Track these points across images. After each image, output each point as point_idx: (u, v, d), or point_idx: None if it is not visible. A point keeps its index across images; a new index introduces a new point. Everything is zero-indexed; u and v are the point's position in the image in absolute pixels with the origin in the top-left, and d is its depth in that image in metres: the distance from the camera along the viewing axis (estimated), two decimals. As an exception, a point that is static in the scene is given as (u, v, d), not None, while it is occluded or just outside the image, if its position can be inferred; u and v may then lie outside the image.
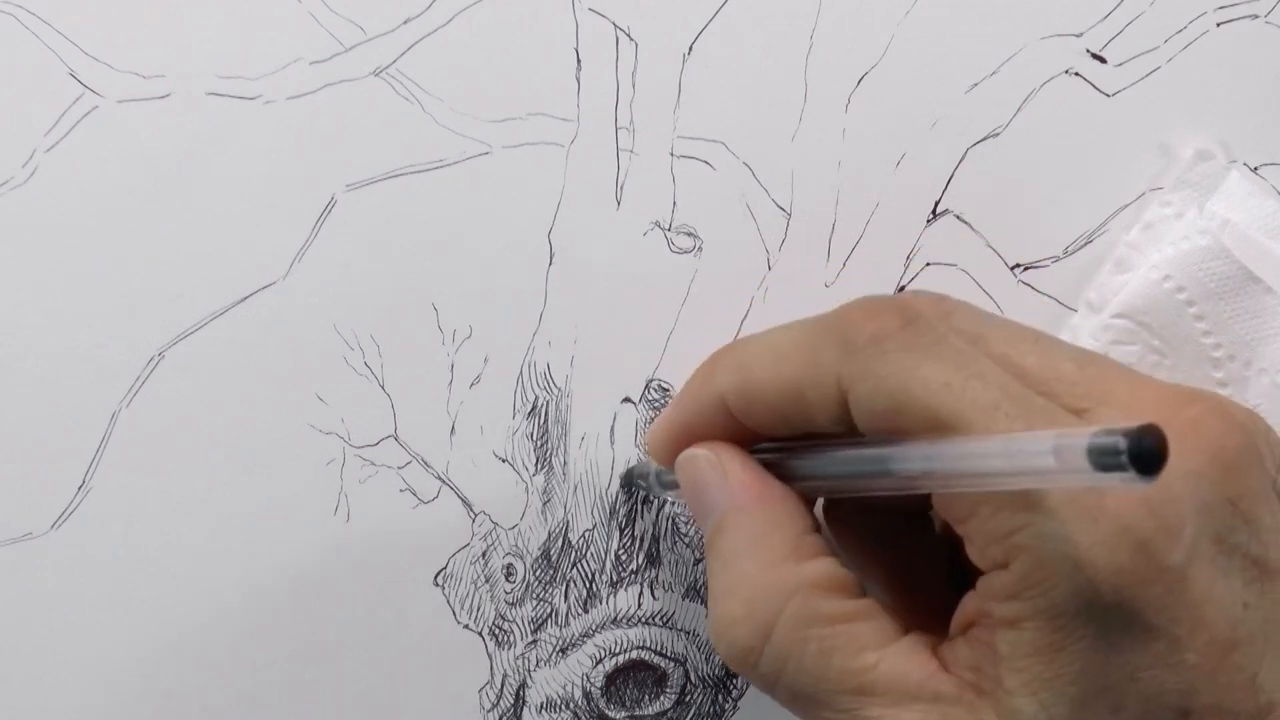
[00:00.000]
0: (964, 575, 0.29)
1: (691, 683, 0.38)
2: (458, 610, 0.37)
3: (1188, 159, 0.39)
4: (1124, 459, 0.22)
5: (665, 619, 0.38)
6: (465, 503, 0.36)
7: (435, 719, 0.37)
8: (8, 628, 0.34)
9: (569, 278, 0.36)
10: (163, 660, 0.35)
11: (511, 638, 0.37)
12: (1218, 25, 0.40)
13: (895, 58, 0.38)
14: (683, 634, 0.38)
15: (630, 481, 0.37)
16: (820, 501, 0.34)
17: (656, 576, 0.38)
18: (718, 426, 0.32)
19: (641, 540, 0.38)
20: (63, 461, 0.34)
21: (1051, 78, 0.39)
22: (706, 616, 0.32)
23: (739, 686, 0.39)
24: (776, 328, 0.32)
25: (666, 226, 0.37)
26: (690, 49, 0.37)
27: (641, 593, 0.38)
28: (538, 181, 0.36)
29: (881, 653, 0.29)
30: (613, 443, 0.37)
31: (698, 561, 0.38)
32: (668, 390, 0.37)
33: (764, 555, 0.31)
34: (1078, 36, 0.39)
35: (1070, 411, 0.28)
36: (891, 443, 0.28)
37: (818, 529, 0.31)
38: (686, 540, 0.38)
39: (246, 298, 0.34)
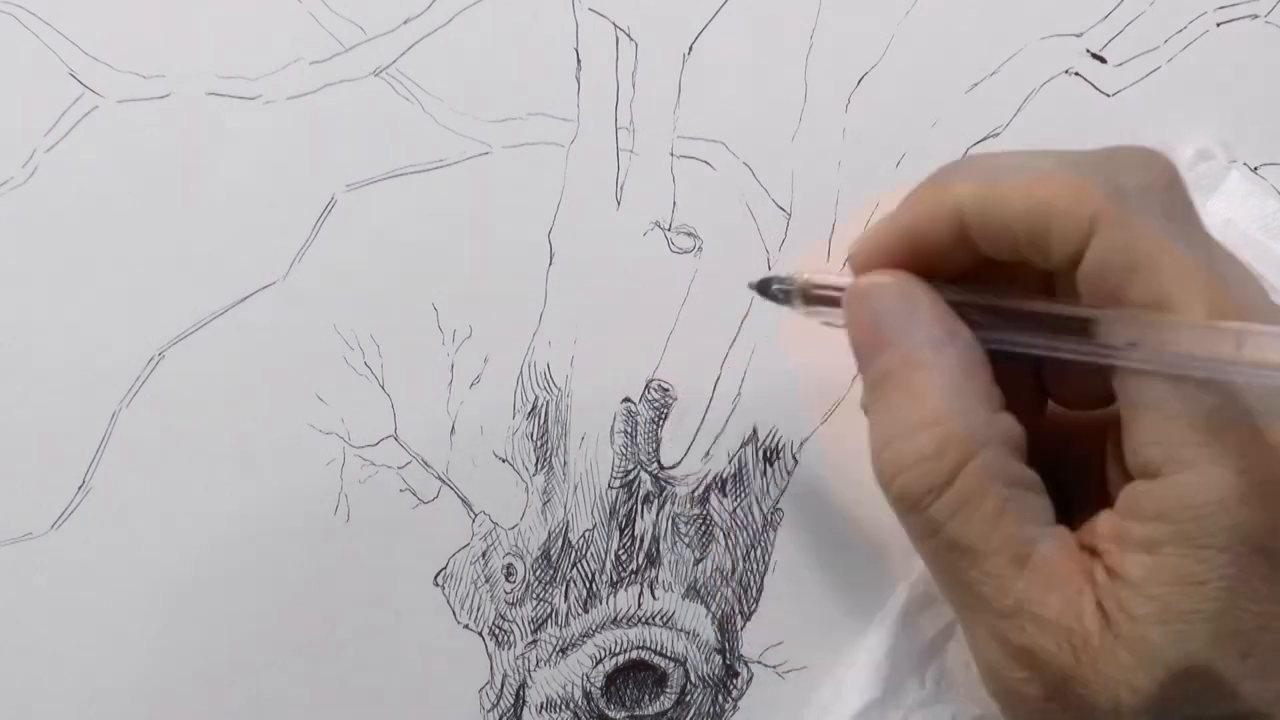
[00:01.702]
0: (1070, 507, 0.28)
1: (691, 683, 0.38)
2: (458, 610, 0.37)
3: (1188, 159, 0.39)
4: None
5: (665, 619, 0.38)
6: (465, 503, 0.36)
7: (435, 719, 0.37)
8: (8, 628, 0.34)
9: (569, 278, 0.36)
10: (163, 660, 0.35)
11: (511, 638, 0.37)
12: (1218, 25, 0.40)
13: (895, 58, 0.38)
14: (683, 634, 0.38)
15: (767, 288, 0.34)
16: None
17: (656, 576, 0.38)
18: (944, 240, 0.30)
19: (641, 540, 0.38)
20: (63, 461, 0.34)
21: (1051, 78, 0.39)
22: (878, 452, 0.30)
23: (739, 687, 0.39)
24: (1029, 149, 0.30)
25: (666, 226, 0.37)
26: (690, 49, 0.37)
27: (641, 593, 0.38)
28: (538, 181, 0.36)
29: (1044, 530, 0.28)
30: (613, 443, 0.37)
31: (698, 561, 0.38)
32: (668, 390, 0.37)
33: (961, 398, 0.29)
34: (1078, 36, 0.39)
35: None
36: (1095, 305, 0.27)
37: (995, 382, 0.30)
38: (686, 540, 0.38)
39: (246, 298, 0.34)
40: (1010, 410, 0.30)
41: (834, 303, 0.32)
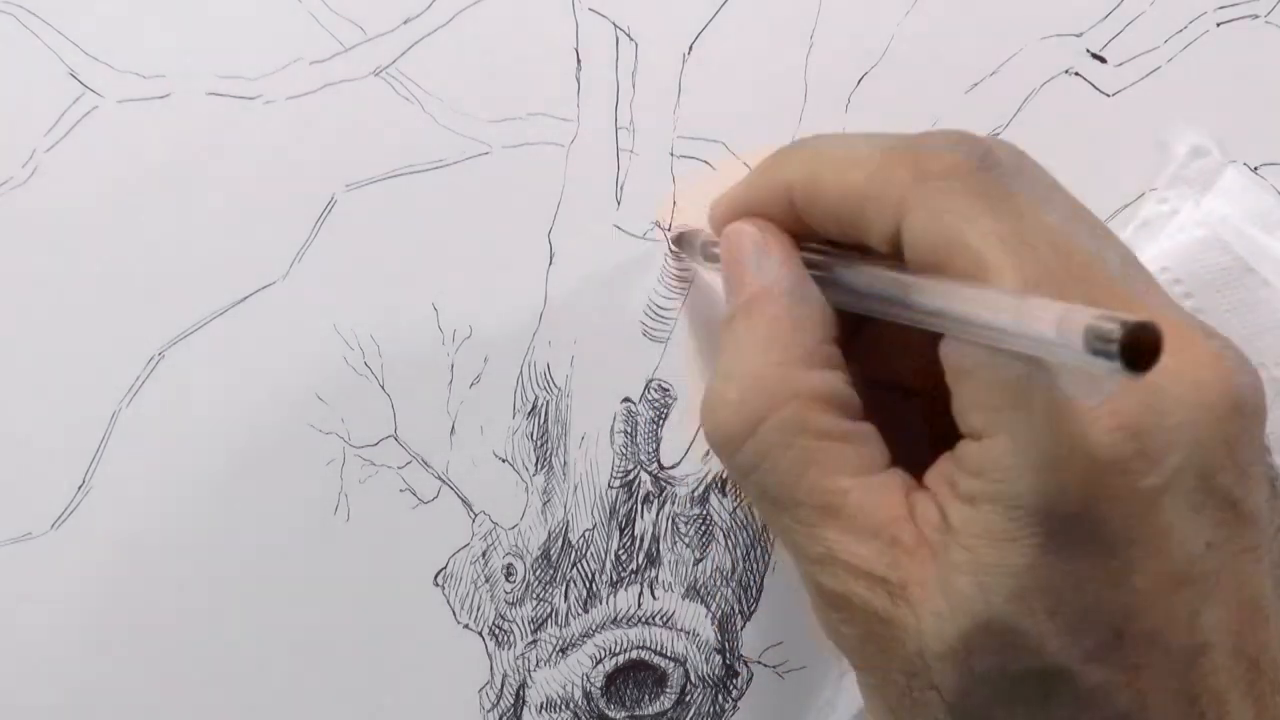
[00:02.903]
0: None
1: (691, 683, 0.38)
2: (458, 610, 0.37)
3: (1183, 155, 0.39)
4: (1115, 347, 0.22)
5: (665, 619, 0.38)
6: (465, 503, 0.36)
7: (435, 719, 0.37)
8: (8, 628, 0.34)
9: (569, 278, 0.36)
10: (163, 660, 0.35)
11: (511, 638, 0.37)
12: (1218, 25, 0.40)
13: (895, 58, 0.38)
14: (683, 634, 0.38)
15: (681, 242, 0.36)
16: None
17: (656, 576, 0.38)
18: (779, 214, 0.32)
19: (641, 540, 0.38)
20: (63, 461, 0.34)
21: (1051, 78, 0.39)
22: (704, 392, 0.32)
23: (739, 687, 0.39)
24: (858, 133, 0.32)
25: (666, 227, 0.37)
26: (690, 49, 0.37)
27: (641, 593, 0.38)
28: (538, 181, 0.36)
29: (856, 480, 0.29)
30: (613, 443, 0.37)
31: (698, 561, 0.38)
32: (668, 390, 0.37)
33: (776, 350, 0.30)
34: (1078, 36, 0.39)
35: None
36: (916, 273, 0.28)
37: (837, 342, 0.31)
38: (686, 540, 0.38)
39: (246, 298, 0.34)
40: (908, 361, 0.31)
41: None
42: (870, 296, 0.30)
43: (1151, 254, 0.39)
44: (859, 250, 0.31)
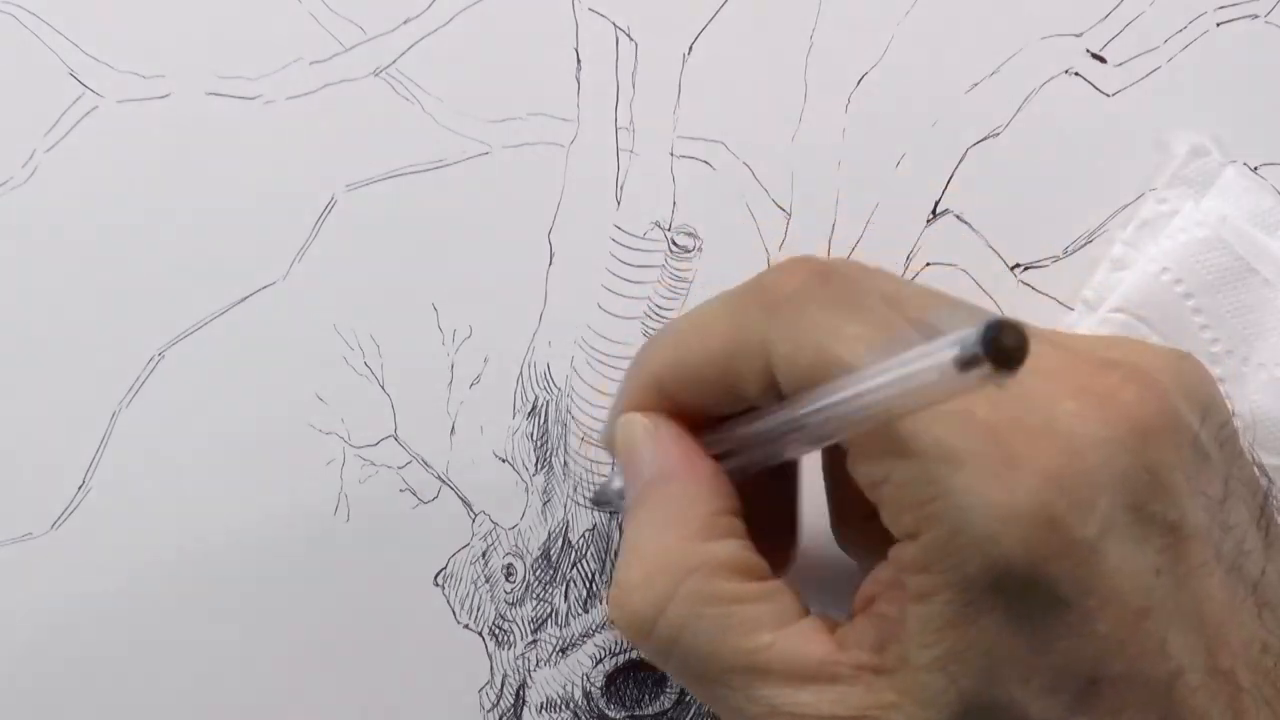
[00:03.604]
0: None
1: (691, 683, 0.38)
2: (458, 610, 0.37)
3: (1183, 155, 0.39)
4: (980, 352, 0.22)
5: (665, 619, 0.38)
6: (465, 503, 0.36)
7: (435, 719, 0.37)
8: (8, 628, 0.34)
9: (569, 278, 0.36)
10: (163, 660, 0.35)
11: (511, 638, 0.37)
12: (1218, 25, 0.40)
13: (895, 58, 0.38)
14: (683, 634, 0.38)
15: (600, 502, 0.37)
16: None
17: (656, 576, 0.38)
18: (658, 408, 0.32)
19: (641, 540, 0.38)
20: (63, 461, 0.34)
21: (1051, 78, 0.39)
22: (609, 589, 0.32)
23: (739, 686, 0.39)
24: (704, 302, 0.32)
25: (666, 226, 0.37)
26: (690, 49, 0.37)
27: (641, 593, 0.38)
28: (538, 181, 0.36)
29: (776, 633, 0.29)
30: (613, 443, 0.37)
31: (698, 561, 0.38)
32: (668, 390, 0.37)
33: (674, 529, 0.30)
34: (1078, 36, 0.39)
35: None
36: (796, 399, 0.28)
37: (738, 512, 0.31)
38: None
39: (246, 298, 0.34)
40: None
41: None
42: (770, 443, 0.30)
43: (1151, 254, 0.39)
44: (746, 414, 0.31)
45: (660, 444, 0.32)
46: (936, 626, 0.27)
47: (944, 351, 0.23)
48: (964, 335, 0.23)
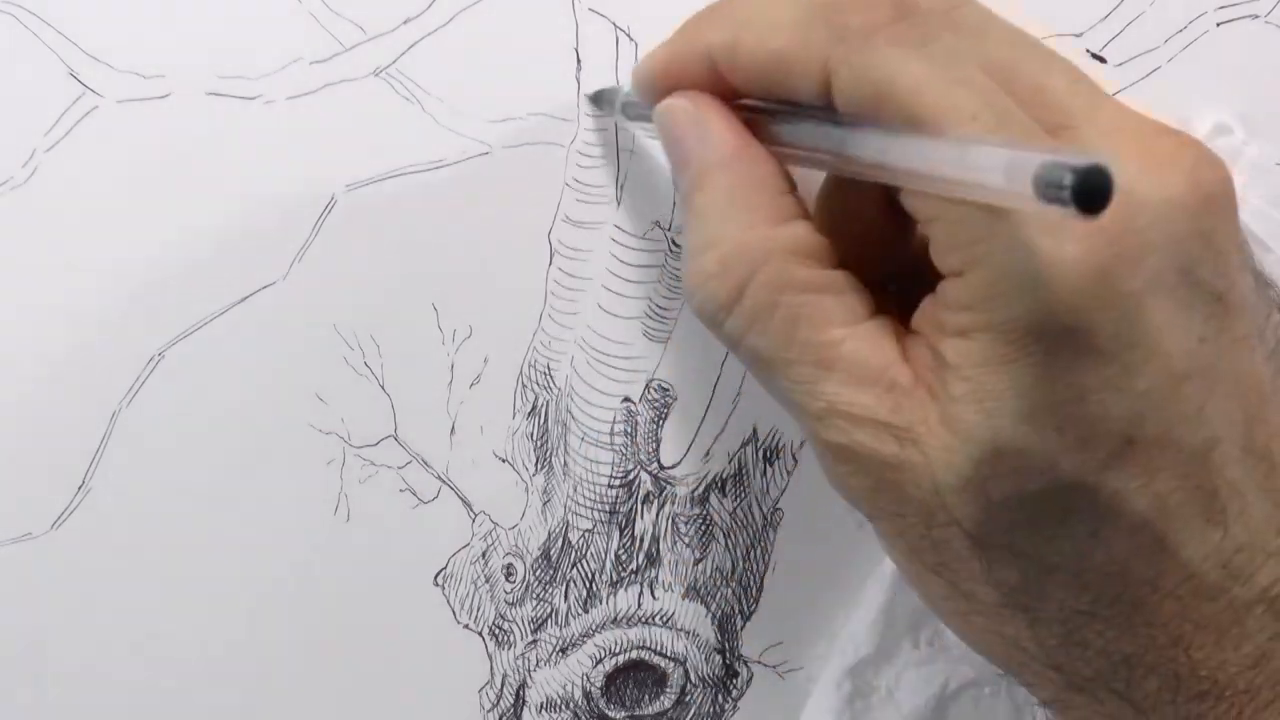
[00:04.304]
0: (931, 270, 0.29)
1: (691, 683, 0.38)
2: (458, 610, 0.37)
3: (1205, 133, 0.39)
4: (1066, 193, 0.22)
5: (665, 619, 0.38)
6: (465, 503, 0.36)
7: (435, 719, 0.37)
8: (8, 628, 0.34)
9: (569, 278, 0.36)
10: (162, 660, 0.35)
11: (511, 638, 0.37)
12: (1218, 25, 0.40)
13: (895, 58, 0.38)
14: (683, 634, 0.38)
15: (599, 100, 0.36)
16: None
17: (656, 576, 0.38)
18: (703, 77, 0.32)
19: (641, 540, 0.38)
20: (63, 461, 0.34)
21: (1051, 78, 0.39)
22: (681, 271, 0.32)
23: (739, 687, 0.39)
24: None
25: (666, 226, 0.37)
26: (690, 49, 0.37)
27: (641, 593, 0.38)
28: (538, 181, 0.36)
29: (848, 330, 0.29)
30: (612, 443, 0.37)
31: (698, 561, 0.38)
32: (668, 390, 0.37)
33: (743, 213, 0.30)
34: (1078, 36, 0.39)
35: (1052, 127, 0.28)
36: (856, 127, 0.28)
37: (794, 190, 0.31)
38: (686, 540, 0.38)
39: (246, 298, 0.34)
40: (869, 211, 0.31)
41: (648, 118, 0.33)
42: (811, 150, 0.30)
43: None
44: (791, 104, 0.31)
45: (713, 127, 0.31)
46: (974, 363, 0.27)
47: (1025, 168, 0.22)
48: (1048, 167, 0.22)
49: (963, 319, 0.27)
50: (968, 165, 0.25)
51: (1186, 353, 0.27)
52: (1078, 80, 0.29)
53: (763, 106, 0.31)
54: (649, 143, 0.36)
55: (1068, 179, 0.22)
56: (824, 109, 0.29)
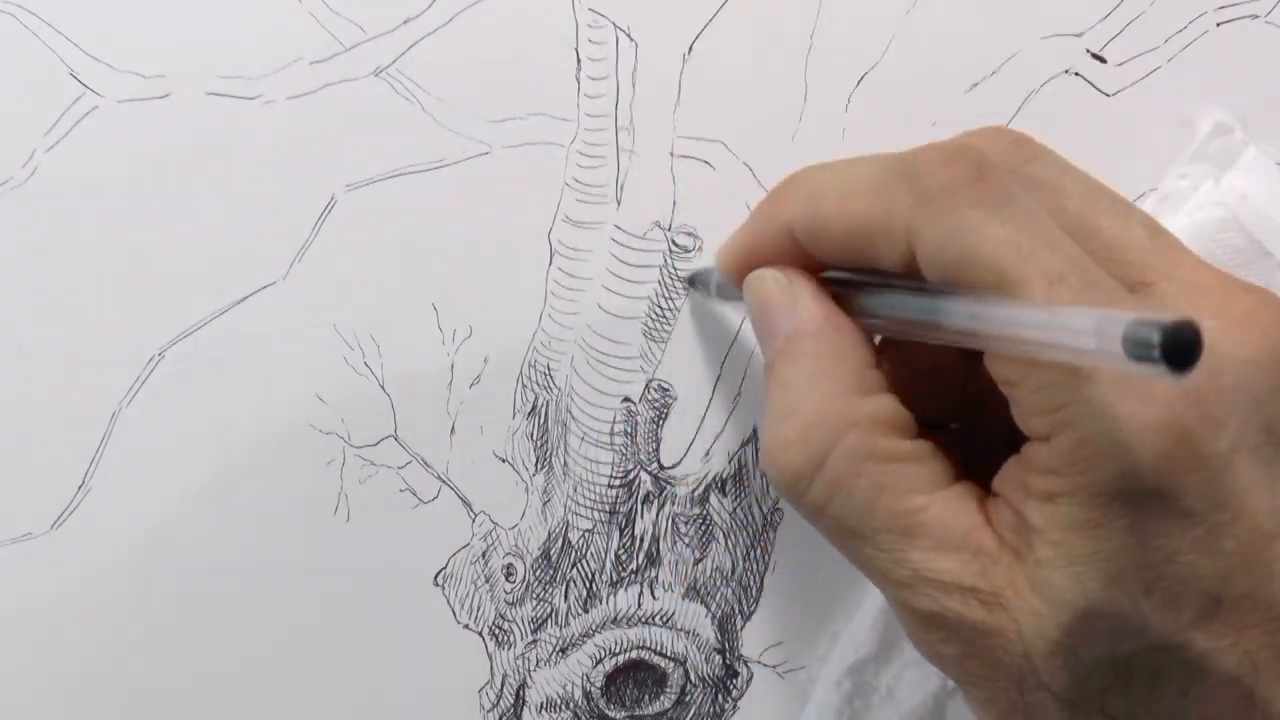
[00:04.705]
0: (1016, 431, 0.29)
1: (691, 683, 0.38)
2: (458, 610, 0.37)
3: (1206, 133, 0.39)
4: (1156, 353, 0.22)
5: (665, 619, 0.38)
6: (465, 503, 0.36)
7: (435, 719, 0.37)
8: (8, 628, 0.34)
9: (569, 277, 0.36)
10: (163, 660, 0.35)
11: (511, 638, 0.37)
12: (1218, 25, 0.40)
13: (895, 58, 0.38)
14: (683, 634, 0.38)
15: (694, 281, 0.37)
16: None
17: (656, 576, 0.38)
18: (786, 252, 0.32)
19: (641, 540, 0.38)
20: (63, 461, 0.34)
21: (1051, 78, 0.39)
22: (760, 440, 0.31)
23: (739, 687, 0.39)
24: (850, 159, 0.31)
25: (666, 226, 0.37)
26: (690, 49, 0.37)
27: (641, 593, 0.38)
28: (538, 181, 0.36)
29: (931, 497, 0.29)
30: (612, 443, 0.37)
31: (698, 561, 0.38)
32: (668, 390, 0.37)
33: (827, 384, 0.30)
34: (1078, 36, 0.39)
35: (1133, 284, 0.28)
36: (943, 294, 0.28)
37: (878, 364, 0.31)
38: (686, 540, 0.38)
39: (246, 298, 0.34)
40: (939, 373, 0.31)
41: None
42: (898, 321, 0.30)
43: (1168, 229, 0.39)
44: (876, 274, 0.31)
45: (801, 298, 0.31)
46: (1061, 527, 0.27)
47: (1115, 329, 0.22)
48: (1137, 327, 0.22)
49: (1049, 483, 0.27)
50: (1057, 328, 0.25)
51: (1273, 512, 0.27)
52: (1157, 234, 0.29)
53: (848, 279, 0.32)
54: (648, 146, 0.36)
55: (1156, 338, 0.22)
56: (907, 277, 0.30)
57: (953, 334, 0.28)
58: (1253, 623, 0.27)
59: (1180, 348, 0.22)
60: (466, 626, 0.37)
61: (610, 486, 0.37)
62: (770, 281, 0.32)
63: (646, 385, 0.37)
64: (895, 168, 0.30)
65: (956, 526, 0.29)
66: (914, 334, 0.30)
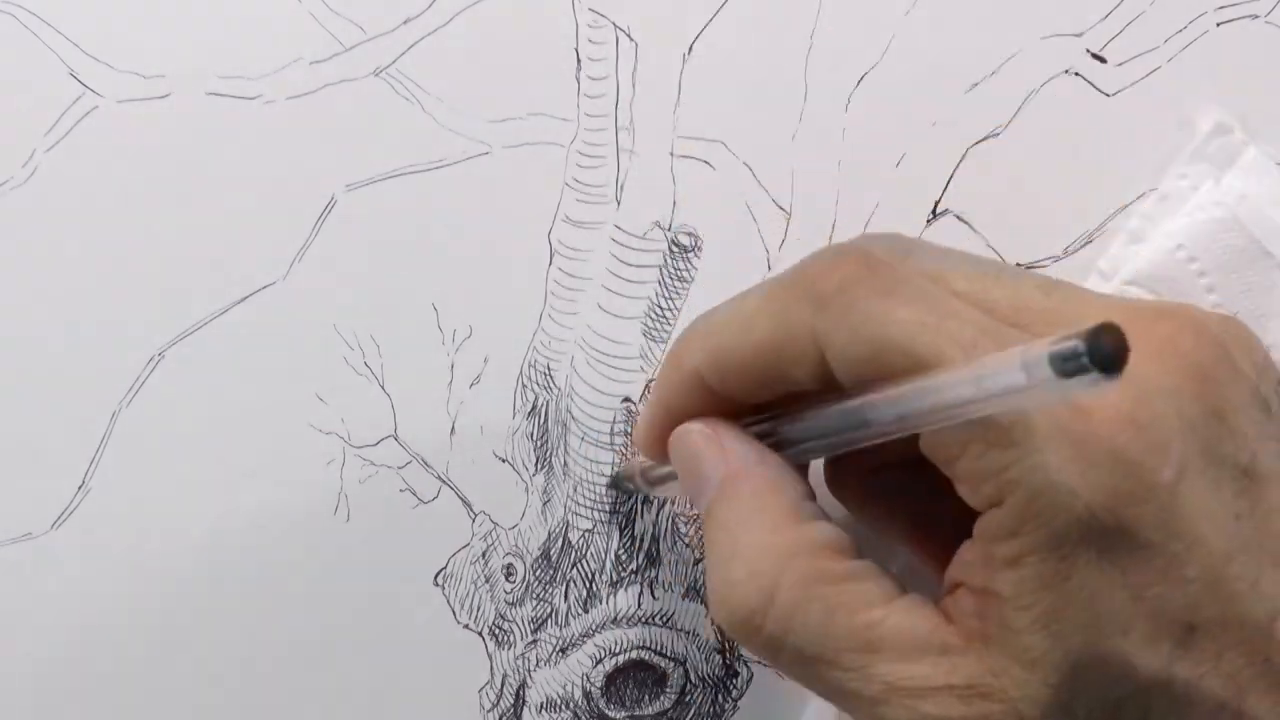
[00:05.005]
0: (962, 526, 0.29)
1: (691, 683, 0.38)
2: (458, 610, 0.37)
3: (1206, 132, 0.39)
4: (1085, 360, 0.22)
5: (665, 619, 0.38)
6: (465, 503, 0.36)
7: (435, 719, 0.37)
8: (8, 628, 0.34)
9: (569, 277, 0.36)
10: (162, 660, 0.35)
11: (511, 638, 0.37)
12: (1218, 25, 0.40)
13: (895, 58, 0.38)
14: (683, 634, 0.38)
15: (619, 484, 0.37)
16: (822, 464, 0.33)
17: (656, 576, 0.38)
18: (699, 404, 0.32)
19: (641, 540, 0.38)
20: (63, 461, 0.34)
21: (1051, 78, 0.39)
22: (705, 590, 0.32)
23: (739, 687, 0.39)
24: (739, 294, 0.31)
25: (666, 226, 0.37)
26: (690, 49, 0.37)
27: (641, 593, 0.38)
28: (538, 181, 0.36)
29: (887, 608, 0.29)
30: (613, 443, 0.37)
31: (697, 561, 0.38)
32: (668, 390, 0.37)
33: (765, 519, 0.30)
34: (1078, 36, 0.39)
35: (1045, 332, 0.28)
36: (864, 391, 0.28)
37: (812, 495, 0.31)
38: (686, 540, 0.38)
39: (246, 298, 0.34)
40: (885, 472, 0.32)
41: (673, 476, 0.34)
42: (829, 435, 0.30)
43: (1167, 230, 0.39)
44: (792, 401, 0.31)
45: (728, 442, 0.31)
46: (1032, 588, 0.27)
47: (1039, 357, 0.23)
48: (1059, 345, 0.23)
49: (1011, 547, 0.27)
50: (984, 380, 0.25)
51: (1226, 532, 0.27)
52: (1052, 290, 0.30)
53: (766, 419, 0.32)
54: (648, 146, 0.36)
55: (1081, 347, 0.22)
56: (822, 391, 0.30)
57: (884, 427, 0.28)
58: (1229, 644, 0.27)
59: (1106, 348, 0.22)
60: (466, 626, 0.37)
61: (610, 486, 0.37)
62: (695, 434, 0.32)
63: (646, 385, 0.37)
64: (786, 283, 0.30)
65: (918, 630, 0.28)
66: (850, 442, 0.30)
